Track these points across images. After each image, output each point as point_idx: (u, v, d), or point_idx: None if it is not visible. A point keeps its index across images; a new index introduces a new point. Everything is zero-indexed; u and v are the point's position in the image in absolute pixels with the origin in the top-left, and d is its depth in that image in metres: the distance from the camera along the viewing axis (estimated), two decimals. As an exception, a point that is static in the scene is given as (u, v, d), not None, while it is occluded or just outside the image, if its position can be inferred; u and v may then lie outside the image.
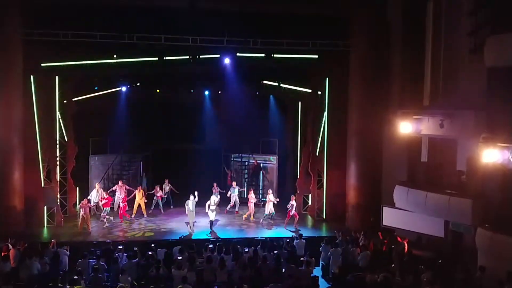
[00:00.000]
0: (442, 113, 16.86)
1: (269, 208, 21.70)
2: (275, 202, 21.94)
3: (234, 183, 24.38)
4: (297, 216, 21.39)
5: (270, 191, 22.52)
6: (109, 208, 21.65)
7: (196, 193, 21.03)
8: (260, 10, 20.25)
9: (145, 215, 22.66)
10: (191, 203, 20.74)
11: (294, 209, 21.33)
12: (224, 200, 24.03)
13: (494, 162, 14.36)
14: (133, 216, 22.38)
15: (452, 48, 18.33)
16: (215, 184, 24.04)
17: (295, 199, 21.92)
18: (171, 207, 24.17)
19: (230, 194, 24.10)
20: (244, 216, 22.71)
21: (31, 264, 14.72)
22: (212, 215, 20.87)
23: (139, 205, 22.57)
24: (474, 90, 16.63)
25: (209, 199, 21.23)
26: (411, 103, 19.03)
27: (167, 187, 24.08)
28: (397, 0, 20.14)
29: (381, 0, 20.55)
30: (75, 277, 13.24)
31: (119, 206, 22.33)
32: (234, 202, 24.02)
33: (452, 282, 13.95)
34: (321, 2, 20.07)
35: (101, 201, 21.66)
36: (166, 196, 23.92)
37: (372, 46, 20.64)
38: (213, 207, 20.89)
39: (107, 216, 21.30)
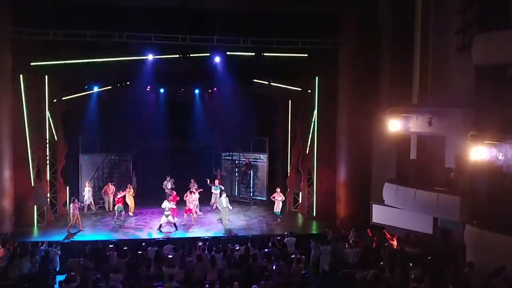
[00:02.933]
0: (431, 111, 16.98)
1: (278, 206, 22.11)
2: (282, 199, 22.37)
3: (216, 181, 24.33)
4: (191, 212, 21.41)
5: (278, 189, 22.64)
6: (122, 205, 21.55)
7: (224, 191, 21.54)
8: (250, 9, 20.23)
9: (132, 214, 22.76)
10: (224, 200, 20.82)
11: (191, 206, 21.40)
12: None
13: (482, 159, 14.47)
14: (130, 213, 22.47)
15: (440, 46, 18.47)
16: (192, 181, 24.01)
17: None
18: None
19: (212, 192, 24.04)
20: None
21: (21, 264, 14.68)
22: (170, 218, 20.34)
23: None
24: (462, 88, 16.75)
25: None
26: (400, 101, 19.14)
27: (169, 183, 24.05)
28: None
29: (371, -1, 20.65)
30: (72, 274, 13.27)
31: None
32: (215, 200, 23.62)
33: (440, 279, 14.05)
34: (312, 1, 20.08)
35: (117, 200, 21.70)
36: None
37: (361, 44, 20.68)
38: (167, 213, 20.26)
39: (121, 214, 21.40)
